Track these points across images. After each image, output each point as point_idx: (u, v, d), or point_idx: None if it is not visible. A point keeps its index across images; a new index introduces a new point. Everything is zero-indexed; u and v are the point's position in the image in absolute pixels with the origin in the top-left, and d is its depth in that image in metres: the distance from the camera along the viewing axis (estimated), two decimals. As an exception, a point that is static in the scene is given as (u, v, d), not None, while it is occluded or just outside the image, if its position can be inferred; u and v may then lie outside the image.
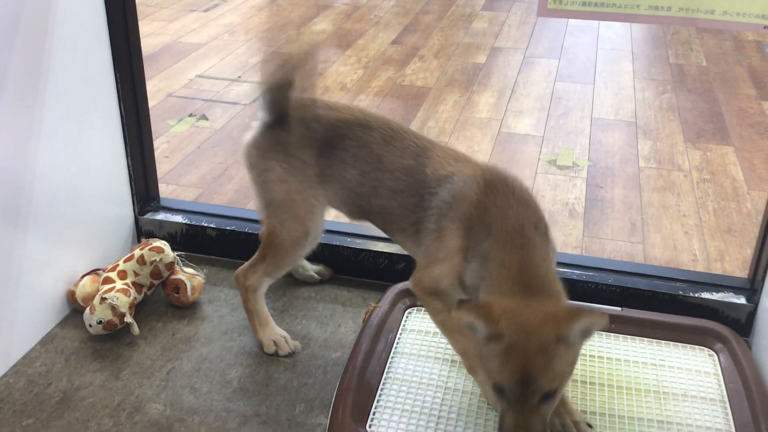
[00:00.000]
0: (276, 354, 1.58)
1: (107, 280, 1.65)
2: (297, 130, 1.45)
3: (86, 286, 1.66)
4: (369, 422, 1.34)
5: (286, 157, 1.46)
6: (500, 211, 1.26)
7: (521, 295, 1.17)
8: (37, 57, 1.48)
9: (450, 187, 1.33)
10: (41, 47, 1.48)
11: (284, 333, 1.61)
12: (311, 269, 1.83)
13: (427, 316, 1.61)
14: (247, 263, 1.57)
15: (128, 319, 1.59)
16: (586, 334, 1.11)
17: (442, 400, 1.39)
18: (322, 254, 1.81)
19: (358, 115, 1.46)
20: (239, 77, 3.29)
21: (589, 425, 1.32)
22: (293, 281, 1.82)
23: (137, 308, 1.67)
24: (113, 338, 1.62)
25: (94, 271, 1.70)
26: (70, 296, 1.67)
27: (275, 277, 1.57)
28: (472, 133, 2.79)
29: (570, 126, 2.90)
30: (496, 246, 1.23)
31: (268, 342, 1.59)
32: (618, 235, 2.20)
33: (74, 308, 1.69)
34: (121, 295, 1.59)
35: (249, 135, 1.51)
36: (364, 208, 1.47)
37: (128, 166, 1.82)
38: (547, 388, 1.10)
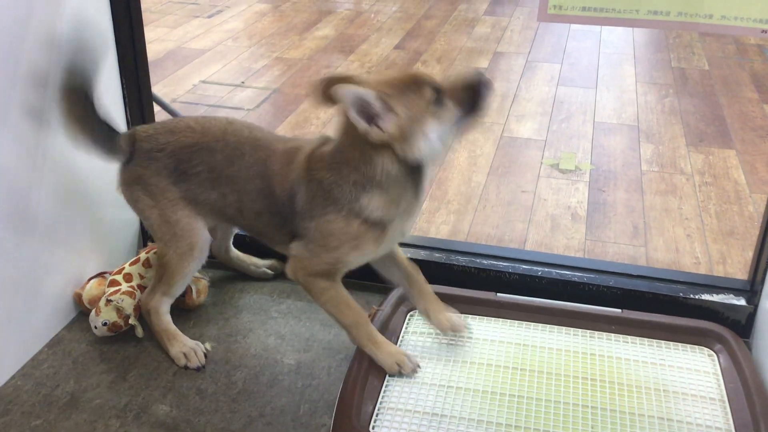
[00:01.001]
0: (186, 366, 1.58)
1: (113, 283, 1.67)
2: (147, 162, 1.50)
3: (93, 288, 1.68)
4: (372, 423, 1.36)
5: (147, 187, 1.51)
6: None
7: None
8: (45, 63, 1.50)
9: (304, 198, 1.37)
10: (48, 53, 1.51)
11: (194, 345, 1.61)
12: (263, 265, 1.86)
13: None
14: (147, 288, 1.62)
15: (133, 321, 1.60)
16: None
17: (445, 400, 1.41)
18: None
19: (197, 136, 1.48)
20: (243, 83, 3.31)
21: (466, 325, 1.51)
22: (297, 285, 1.83)
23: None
24: (120, 340, 1.64)
25: (100, 274, 1.72)
26: (77, 299, 1.69)
27: (173, 295, 1.60)
28: (474, 137, 2.81)
29: (572, 130, 2.92)
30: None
31: (177, 355, 1.59)
32: (620, 238, 2.21)
33: (81, 311, 1.71)
34: (126, 297, 1.61)
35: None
36: (236, 220, 1.54)
37: (134, 171, 1.84)
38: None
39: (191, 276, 1.59)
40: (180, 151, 1.48)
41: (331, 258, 1.38)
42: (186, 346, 1.60)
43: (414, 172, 1.31)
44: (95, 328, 1.61)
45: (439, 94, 1.25)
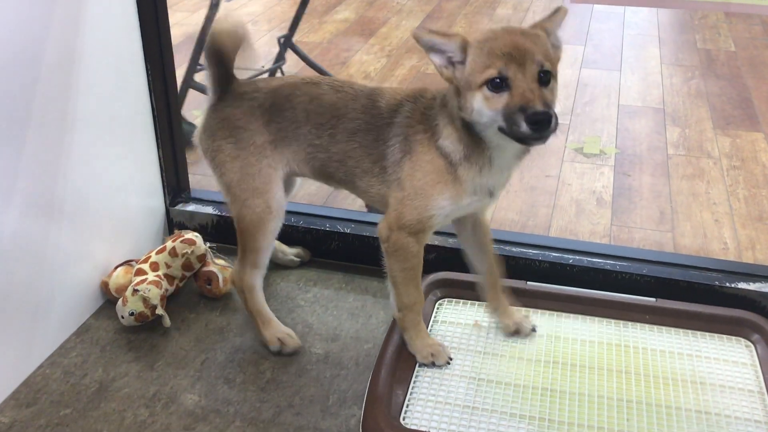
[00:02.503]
0: (280, 353, 1.57)
1: (139, 272, 1.66)
2: (239, 103, 1.46)
3: (119, 276, 1.67)
4: (403, 414, 1.34)
5: (234, 131, 1.46)
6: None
7: None
8: (69, 49, 1.48)
9: (406, 110, 1.37)
10: (74, 39, 1.49)
11: (289, 330, 1.60)
12: (290, 253, 1.84)
13: (459, 308, 1.62)
14: (235, 265, 1.57)
15: (159, 311, 1.60)
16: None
17: (476, 392, 1.39)
18: (352, 244, 1.81)
19: (298, 78, 1.49)
20: (263, 66, 3.28)
21: (533, 329, 1.51)
22: (323, 273, 1.82)
23: (169, 300, 1.69)
24: (147, 329, 1.63)
25: (127, 263, 1.71)
26: (104, 287, 1.69)
27: (262, 266, 1.54)
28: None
29: (596, 113, 2.87)
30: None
31: (272, 339, 1.58)
32: (647, 223, 2.18)
33: (108, 299, 1.70)
34: (152, 287, 1.60)
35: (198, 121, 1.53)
36: (323, 160, 1.46)
37: (159, 158, 1.83)
38: (542, 61, 1.18)
39: (275, 236, 1.53)
40: (281, 89, 1.47)
41: (421, 205, 1.33)
42: (281, 332, 1.58)
43: (472, 131, 1.29)
44: (122, 317, 1.60)
45: (501, 83, 1.19)
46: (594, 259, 1.66)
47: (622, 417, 1.32)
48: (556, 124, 1.16)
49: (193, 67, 2.56)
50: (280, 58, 2.87)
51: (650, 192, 2.34)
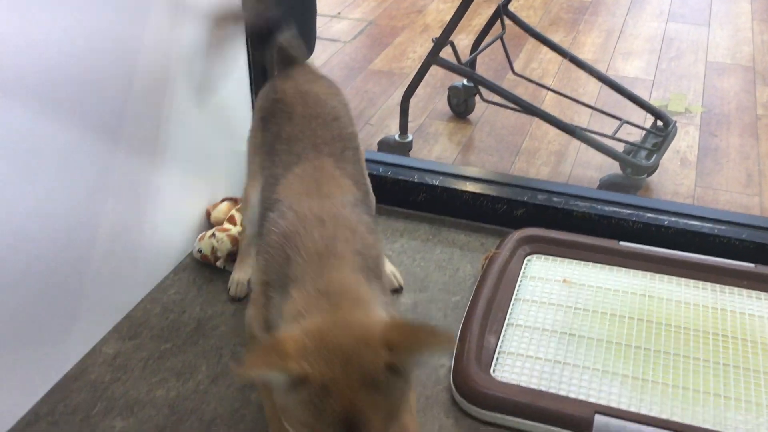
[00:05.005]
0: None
1: (231, 219, 1.70)
2: (261, 93, 1.36)
3: (221, 211, 1.72)
4: (493, 367, 1.36)
5: (254, 113, 1.38)
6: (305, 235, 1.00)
7: (325, 311, 0.89)
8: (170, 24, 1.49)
9: (270, 215, 1.08)
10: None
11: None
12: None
13: (548, 264, 1.62)
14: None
15: (220, 264, 1.65)
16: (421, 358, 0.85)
17: (567, 348, 1.40)
18: (440, 197, 1.81)
19: (296, 99, 1.25)
20: (339, 14, 3.26)
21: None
22: (410, 224, 1.84)
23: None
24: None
25: (233, 199, 1.76)
26: (207, 215, 1.74)
27: (251, 227, 1.44)
28: (577, 75, 2.70)
29: (682, 70, 2.78)
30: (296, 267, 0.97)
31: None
32: (733, 186, 2.12)
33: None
34: (227, 241, 1.64)
35: None
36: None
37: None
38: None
39: (251, 223, 1.44)
40: (275, 103, 1.28)
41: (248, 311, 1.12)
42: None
43: None
44: (193, 249, 1.68)
45: None
46: (692, 222, 1.63)
47: (718, 380, 1.32)
48: None
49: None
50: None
51: (737, 153, 2.27)
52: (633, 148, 2.12)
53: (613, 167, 2.13)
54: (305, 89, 1.29)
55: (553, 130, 2.34)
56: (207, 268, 1.69)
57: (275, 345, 0.81)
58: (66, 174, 1.31)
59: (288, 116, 1.24)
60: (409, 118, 2.24)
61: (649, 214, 1.65)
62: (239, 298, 1.60)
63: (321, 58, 2.85)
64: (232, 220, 1.71)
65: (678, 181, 2.16)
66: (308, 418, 0.80)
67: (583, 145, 2.20)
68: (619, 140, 2.11)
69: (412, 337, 0.81)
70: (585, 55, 2.87)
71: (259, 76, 1.84)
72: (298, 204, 1.05)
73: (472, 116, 2.49)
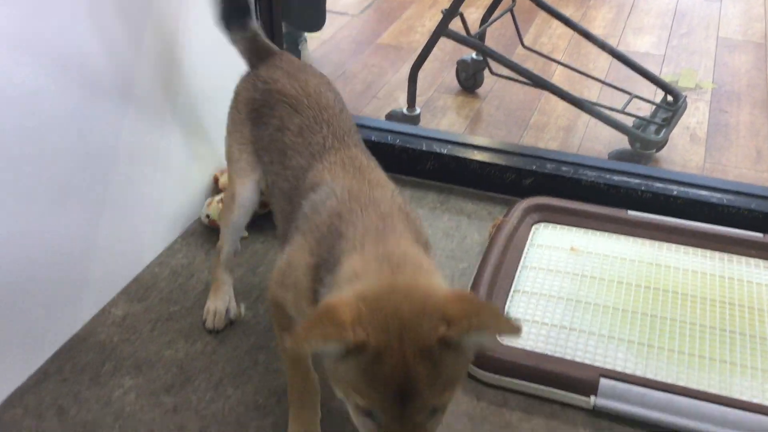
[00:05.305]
0: None
1: (239, 183, 1.71)
2: (245, 85, 1.30)
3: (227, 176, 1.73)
4: (500, 331, 1.37)
5: (235, 106, 1.32)
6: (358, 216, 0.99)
7: (385, 275, 0.86)
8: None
9: (313, 197, 1.06)
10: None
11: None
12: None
13: (555, 232, 1.62)
14: None
15: None
16: (482, 338, 0.80)
17: (573, 314, 1.40)
18: (448, 166, 1.81)
19: (297, 90, 1.21)
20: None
21: None
22: (418, 192, 1.83)
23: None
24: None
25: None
26: (215, 181, 1.75)
27: (230, 245, 1.42)
28: (587, 50, 2.69)
29: (694, 45, 2.76)
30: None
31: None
32: (742, 162, 2.12)
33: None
34: None
35: None
36: (271, 202, 1.27)
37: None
38: (434, 404, 0.80)
39: (234, 231, 1.40)
40: (272, 95, 1.23)
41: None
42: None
43: None
44: (201, 214, 1.69)
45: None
46: (700, 192, 1.63)
47: (724, 347, 1.32)
48: None
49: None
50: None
51: (747, 130, 2.26)
52: (642, 122, 2.11)
53: (621, 142, 2.12)
54: (302, 78, 1.24)
55: (561, 105, 2.33)
56: (214, 232, 1.69)
57: (328, 313, 0.78)
58: (76, 136, 1.31)
59: (293, 107, 1.19)
60: (417, 92, 2.23)
61: (658, 184, 1.65)
62: (217, 331, 1.44)
63: (328, 31, 2.83)
64: None
65: (687, 156, 2.15)
66: (359, 384, 0.79)
67: (592, 120, 2.19)
68: (629, 114, 2.10)
69: (473, 316, 0.77)
70: (596, 29, 2.84)
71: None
72: (348, 185, 1.04)
73: (480, 90, 2.48)
